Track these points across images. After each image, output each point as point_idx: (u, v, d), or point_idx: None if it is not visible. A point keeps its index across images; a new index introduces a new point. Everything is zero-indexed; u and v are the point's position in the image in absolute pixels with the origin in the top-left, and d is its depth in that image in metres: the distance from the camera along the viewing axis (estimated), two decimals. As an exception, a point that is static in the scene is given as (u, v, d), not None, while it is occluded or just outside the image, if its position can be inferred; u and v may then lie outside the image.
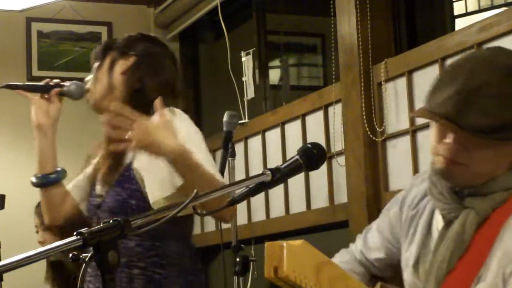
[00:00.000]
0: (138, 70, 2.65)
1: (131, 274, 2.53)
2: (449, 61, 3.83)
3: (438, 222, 1.90)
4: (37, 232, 4.32)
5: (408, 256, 1.96)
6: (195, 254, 2.65)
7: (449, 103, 1.79)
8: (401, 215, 2.03)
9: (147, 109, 2.54)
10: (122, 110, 2.34)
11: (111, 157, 2.62)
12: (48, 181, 2.76)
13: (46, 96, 2.76)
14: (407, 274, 1.94)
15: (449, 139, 1.83)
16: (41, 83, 2.78)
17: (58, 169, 2.78)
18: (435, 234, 1.90)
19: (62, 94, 2.77)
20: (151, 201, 2.49)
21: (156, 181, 2.49)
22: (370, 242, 2.11)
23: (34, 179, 2.77)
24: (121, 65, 2.67)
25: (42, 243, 4.23)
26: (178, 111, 2.65)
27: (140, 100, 2.61)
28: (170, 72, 2.73)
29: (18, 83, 2.83)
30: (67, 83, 2.77)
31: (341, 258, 2.10)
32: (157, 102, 2.40)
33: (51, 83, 2.77)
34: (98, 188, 2.67)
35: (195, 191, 1.67)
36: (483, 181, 1.84)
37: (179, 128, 2.47)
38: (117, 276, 2.45)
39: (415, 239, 1.95)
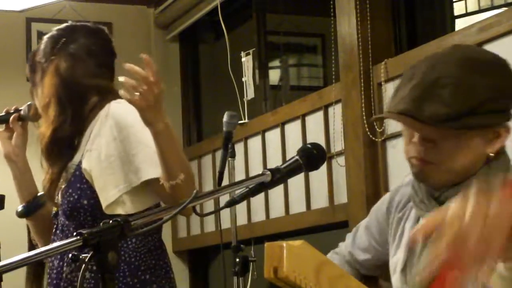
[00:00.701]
0: (60, 70, 2.51)
1: (83, 279, 2.37)
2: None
3: None
4: None
5: (395, 261, 1.95)
6: (159, 248, 2.50)
7: (407, 99, 1.78)
8: (388, 216, 2.01)
9: (85, 96, 2.47)
10: (135, 70, 2.17)
11: (51, 169, 2.50)
12: (29, 210, 2.68)
13: (9, 126, 2.66)
14: (395, 280, 1.94)
15: (415, 138, 1.81)
16: (1, 113, 2.68)
17: (39, 194, 2.67)
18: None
19: (21, 119, 2.67)
20: (104, 204, 2.37)
21: (109, 181, 2.38)
22: (358, 242, 2.10)
23: (20, 209, 2.69)
24: (47, 76, 2.52)
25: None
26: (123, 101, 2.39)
27: (75, 91, 2.48)
28: (100, 54, 2.54)
29: None
30: (23, 107, 2.67)
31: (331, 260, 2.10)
32: (144, 56, 2.18)
33: (11, 111, 2.68)
34: (57, 199, 2.56)
35: (195, 191, 1.67)
36: (459, 179, 1.81)
37: (131, 116, 2.32)
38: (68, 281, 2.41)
39: (402, 244, 1.94)
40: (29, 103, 2.66)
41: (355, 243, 2.10)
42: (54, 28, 2.62)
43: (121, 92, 2.17)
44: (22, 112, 2.67)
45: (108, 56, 2.55)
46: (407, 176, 2.02)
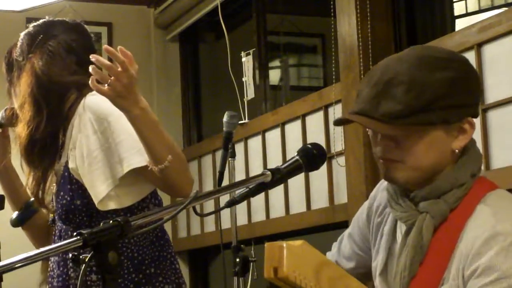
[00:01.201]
0: (36, 69, 2.43)
1: (90, 282, 2.36)
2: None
3: (402, 228, 1.89)
4: None
5: (375, 265, 1.95)
6: (161, 239, 2.45)
7: (364, 99, 1.80)
8: (369, 222, 2.02)
9: (64, 93, 2.40)
10: (102, 61, 2.12)
11: (34, 175, 2.45)
12: (23, 217, 2.63)
13: None
14: (377, 283, 1.95)
15: (378, 138, 1.83)
16: None
17: (31, 200, 2.60)
18: (399, 240, 1.89)
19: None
20: (96, 201, 2.31)
21: (97, 177, 2.31)
22: (343, 251, 2.10)
23: (14, 216, 2.64)
24: (24, 75, 2.45)
25: None
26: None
27: (52, 89, 2.41)
28: (80, 50, 2.48)
29: None
30: None
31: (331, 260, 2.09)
32: (105, 47, 2.12)
33: None
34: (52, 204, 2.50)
35: (194, 191, 1.66)
36: (427, 176, 1.81)
37: (107, 106, 2.26)
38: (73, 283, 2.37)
39: (381, 248, 1.94)
40: (5, 108, 2.58)
41: (340, 252, 2.11)
42: (31, 24, 2.55)
43: (90, 82, 2.13)
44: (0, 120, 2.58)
45: (88, 52, 2.40)
46: (382, 182, 2.02)
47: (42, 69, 2.42)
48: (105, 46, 2.12)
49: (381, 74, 1.81)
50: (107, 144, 2.31)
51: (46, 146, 2.42)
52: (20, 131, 2.42)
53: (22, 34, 2.54)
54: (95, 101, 2.34)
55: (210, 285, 6.64)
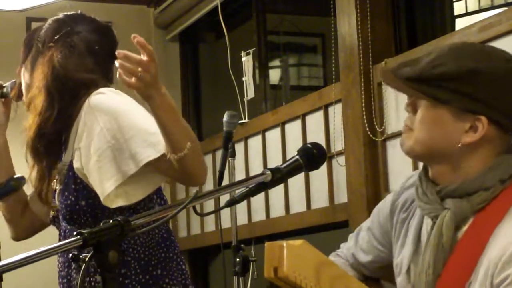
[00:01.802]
0: (54, 61, 2.41)
1: (94, 283, 2.33)
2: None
3: (428, 225, 1.88)
4: None
5: (400, 261, 1.94)
6: (168, 239, 2.42)
7: (399, 64, 1.90)
8: (392, 217, 2.01)
9: (77, 90, 2.38)
10: (132, 56, 2.12)
11: (41, 173, 2.43)
12: (4, 191, 2.58)
13: None
14: (401, 280, 1.93)
15: (407, 104, 1.89)
16: None
17: (15, 176, 2.57)
18: (424, 237, 1.89)
19: (3, 96, 2.58)
20: (102, 197, 2.27)
21: (103, 174, 2.28)
22: (361, 244, 2.09)
23: None
24: (41, 62, 2.44)
25: None
26: (107, 90, 2.37)
27: (66, 84, 2.39)
28: (101, 53, 2.47)
29: None
30: (7, 84, 2.60)
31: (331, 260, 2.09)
32: (137, 39, 2.13)
33: None
34: (54, 202, 2.47)
35: (194, 191, 1.66)
36: (428, 154, 1.85)
37: (113, 103, 2.30)
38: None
39: (407, 243, 1.93)
40: (13, 80, 2.58)
41: (358, 244, 2.09)
42: (62, 13, 2.55)
43: (118, 76, 2.11)
44: (5, 90, 2.58)
45: (108, 57, 2.43)
46: (410, 177, 2.02)
47: (60, 62, 2.40)
48: (134, 35, 2.12)
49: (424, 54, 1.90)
50: (113, 141, 2.28)
51: (52, 142, 2.40)
52: (29, 123, 2.41)
53: (50, 20, 2.52)
54: (100, 100, 2.33)
55: (210, 284, 6.64)
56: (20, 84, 2.54)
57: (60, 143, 2.42)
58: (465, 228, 1.80)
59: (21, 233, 2.64)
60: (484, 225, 1.78)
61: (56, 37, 2.46)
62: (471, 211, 1.80)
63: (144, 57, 2.11)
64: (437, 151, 1.83)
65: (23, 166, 2.55)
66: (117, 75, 2.12)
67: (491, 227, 1.76)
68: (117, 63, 2.10)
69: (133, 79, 2.11)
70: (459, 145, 1.81)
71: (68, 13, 2.55)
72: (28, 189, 2.61)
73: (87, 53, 2.44)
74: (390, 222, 2.01)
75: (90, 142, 2.32)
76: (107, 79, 2.46)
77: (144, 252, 2.36)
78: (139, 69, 2.11)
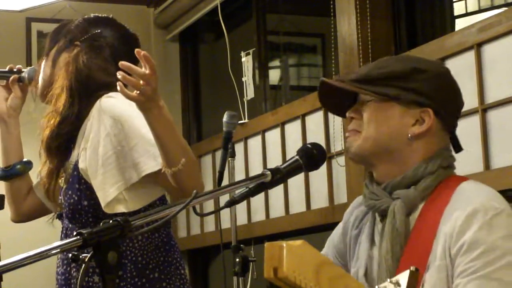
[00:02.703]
0: (79, 60, 2.44)
1: (91, 283, 2.35)
2: (449, 61, 3.84)
3: (379, 229, 1.94)
4: None
5: (356, 270, 1.99)
6: (167, 244, 2.42)
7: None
8: (345, 238, 2.08)
9: (96, 91, 2.40)
10: (135, 69, 2.13)
11: (50, 171, 2.47)
12: (9, 173, 2.64)
13: (3, 84, 2.64)
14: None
15: (349, 113, 1.98)
16: (5, 69, 2.66)
17: (23, 160, 2.65)
18: (377, 237, 1.95)
19: (20, 81, 2.64)
20: (103, 203, 2.30)
21: (107, 180, 2.30)
22: None
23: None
24: (64, 58, 2.47)
25: None
26: (118, 95, 2.34)
27: (88, 85, 2.41)
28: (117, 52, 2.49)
29: None
30: (25, 69, 2.64)
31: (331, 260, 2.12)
32: (142, 53, 2.13)
33: (14, 69, 2.65)
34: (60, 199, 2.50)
35: (194, 191, 1.67)
36: (377, 151, 1.92)
37: (122, 108, 2.31)
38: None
39: (361, 253, 1.99)
40: (32, 67, 2.62)
41: None
42: (94, 14, 2.59)
43: (119, 89, 2.13)
44: (23, 74, 2.63)
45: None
46: (359, 198, 2.09)
47: (85, 63, 2.42)
48: (137, 50, 2.13)
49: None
50: (119, 147, 2.30)
51: (65, 141, 2.43)
52: (48, 120, 2.43)
53: (81, 18, 2.56)
54: (110, 103, 2.35)
55: (210, 285, 6.64)
56: (38, 72, 2.56)
57: (71, 142, 2.44)
58: (416, 215, 1.89)
59: (21, 216, 2.70)
60: (434, 209, 1.87)
61: (84, 37, 2.48)
62: (419, 198, 1.89)
63: (146, 71, 2.12)
64: (385, 147, 1.91)
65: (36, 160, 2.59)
66: (118, 87, 2.13)
67: (441, 209, 1.85)
68: (119, 75, 2.11)
69: (134, 92, 2.13)
70: (409, 136, 1.91)
71: (100, 15, 2.59)
72: (35, 176, 2.65)
73: (111, 58, 2.45)
74: (343, 242, 2.08)
75: (96, 145, 2.33)
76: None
77: (142, 255, 2.36)
78: (141, 82, 2.12)
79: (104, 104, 2.35)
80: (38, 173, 2.57)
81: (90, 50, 2.44)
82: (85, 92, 2.41)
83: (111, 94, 2.35)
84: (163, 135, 2.19)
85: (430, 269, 1.81)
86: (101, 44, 2.47)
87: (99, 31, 2.50)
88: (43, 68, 2.53)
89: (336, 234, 2.12)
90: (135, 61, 2.24)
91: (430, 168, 1.90)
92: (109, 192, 2.30)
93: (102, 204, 2.30)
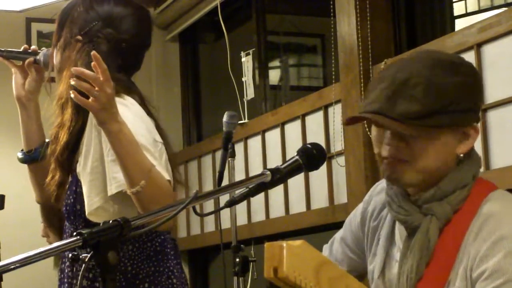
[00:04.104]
0: (86, 52, 2.37)
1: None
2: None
3: (401, 231, 1.90)
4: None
5: (373, 269, 1.96)
6: (160, 253, 2.38)
7: (378, 99, 1.80)
8: (363, 226, 2.03)
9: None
10: (87, 73, 2.10)
11: (59, 169, 2.43)
12: (31, 157, 2.59)
13: (19, 65, 2.58)
14: (374, 286, 1.95)
15: (387, 138, 1.83)
16: (19, 50, 2.57)
17: (45, 143, 2.58)
18: (398, 243, 1.90)
19: (35, 62, 2.57)
20: (88, 210, 2.29)
21: (93, 188, 2.30)
22: (335, 255, 2.11)
23: (19, 155, 2.61)
24: (68, 56, 2.41)
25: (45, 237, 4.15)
26: (127, 99, 2.35)
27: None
28: (130, 67, 2.44)
29: None
30: (40, 51, 2.57)
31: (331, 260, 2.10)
32: (92, 52, 2.12)
33: (28, 50, 2.56)
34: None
35: (194, 191, 1.67)
36: (431, 180, 1.82)
37: (124, 116, 2.24)
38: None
39: (379, 251, 1.95)
40: (46, 49, 2.54)
41: (332, 255, 2.12)
42: (106, 6, 2.43)
43: (72, 96, 2.11)
44: (38, 57, 2.56)
45: (134, 66, 2.44)
46: (378, 184, 2.03)
47: (86, 67, 2.25)
48: (93, 52, 2.11)
49: (395, 73, 1.81)
50: (106, 157, 2.28)
51: (73, 151, 2.39)
52: (56, 135, 2.40)
53: (91, 12, 2.42)
54: None
55: (210, 285, 6.64)
56: (52, 57, 2.50)
57: (76, 149, 2.41)
58: (444, 228, 1.82)
59: (44, 199, 2.64)
60: (460, 222, 1.81)
61: (84, 30, 2.40)
62: (452, 212, 1.82)
63: (99, 76, 2.10)
64: (437, 173, 1.83)
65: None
66: (71, 95, 2.11)
67: (467, 224, 1.79)
68: (72, 81, 2.10)
69: (90, 99, 2.11)
70: (461, 156, 1.83)
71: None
72: None
73: (116, 55, 2.38)
74: (361, 231, 2.04)
75: (88, 151, 2.32)
76: (128, 87, 2.42)
77: (132, 265, 2.33)
78: (96, 88, 2.10)
79: (125, 102, 2.32)
80: (46, 182, 2.48)
81: (90, 50, 2.33)
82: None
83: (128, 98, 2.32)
84: (122, 154, 2.17)
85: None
86: (101, 41, 2.39)
87: (99, 23, 2.40)
88: (55, 58, 2.47)
89: (354, 221, 2.06)
90: (138, 65, 2.24)
91: (464, 180, 1.82)
92: (93, 200, 2.29)
93: (86, 211, 2.29)
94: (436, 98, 1.77)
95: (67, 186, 2.43)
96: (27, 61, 2.56)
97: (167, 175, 2.24)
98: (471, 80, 1.84)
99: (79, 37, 2.40)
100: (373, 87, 1.85)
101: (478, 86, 1.87)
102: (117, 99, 2.24)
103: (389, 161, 1.83)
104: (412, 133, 1.79)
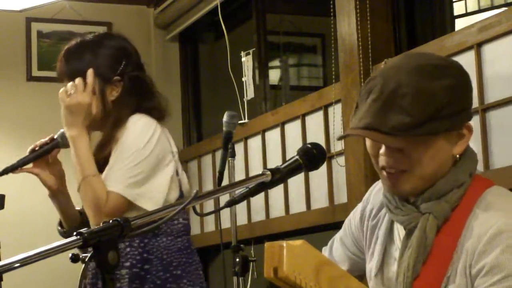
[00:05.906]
0: (107, 101, 2.62)
1: (118, 275, 2.54)
2: (449, 61, 3.83)
3: (399, 230, 1.91)
4: None
5: (371, 267, 1.97)
6: (189, 248, 2.68)
7: (369, 113, 1.79)
8: (362, 226, 2.03)
9: (121, 120, 2.63)
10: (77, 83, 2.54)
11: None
12: (67, 235, 2.70)
13: (36, 167, 2.66)
14: (372, 285, 1.96)
15: (382, 149, 1.83)
16: (34, 153, 2.62)
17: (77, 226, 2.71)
18: (397, 242, 1.91)
19: (57, 146, 2.64)
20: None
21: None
22: (335, 255, 2.12)
23: (60, 230, 2.75)
24: (111, 92, 2.64)
25: None
26: (144, 117, 2.64)
27: (115, 117, 2.64)
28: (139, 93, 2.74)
29: (14, 163, 2.60)
30: (56, 136, 2.63)
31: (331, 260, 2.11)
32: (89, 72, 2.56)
33: (45, 146, 2.63)
34: None
35: (195, 191, 1.67)
36: (429, 184, 1.83)
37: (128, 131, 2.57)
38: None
39: (377, 250, 1.96)
40: (62, 130, 2.61)
41: (332, 256, 2.13)
42: (107, 39, 2.78)
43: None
44: (56, 141, 2.63)
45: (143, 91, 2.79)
46: (377, 184, 2.04)
47: (113, 101, 2.63)
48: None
49: (382, 85, 1.80)
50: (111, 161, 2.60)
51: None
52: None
53: (103, 50, 2.71)
54: (133, 121, 2.60)
55: (210, 284, 6.64)
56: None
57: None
58: (441, 226, 1.83)
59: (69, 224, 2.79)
60: (457, 220, 1.81)
61: (114, 72, 2.66)
62: (449, 210, 1.82)
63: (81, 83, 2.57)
64: (435, 176, 1.83)
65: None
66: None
67: (463, 221, 1.80)
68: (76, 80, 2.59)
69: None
70: (457, 157, 1.84)
71: (111, 36, 2.92)
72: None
73: (134, 91, 2.70)
74: (360, 230, 2.04)
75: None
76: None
77: (167, 254, 2.60)
78: (73, 90, 2.58)
79: (130, 120, 2.60)
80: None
81: (119, 87, 2.65)
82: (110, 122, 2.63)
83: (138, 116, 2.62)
84: (73, 156, 2.56)
85: (450, 285, 1.78)
86: (128, 79, 2.68)
87: (124, 63, 2.68)
88: (93, 104, 2.61)
89: (353, 221, 2.07)
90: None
91: (461, 178, 1.83)
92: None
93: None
94: (426, 105, 1.76)
95: None
96: (54, 152, 2.66)
97: (115, 188, 2.51)
98: (460, 80, 1.83)
99: (118, 77, 2.64)
100: (362, 99, 1.85)
101: (468, 85, 1.86)
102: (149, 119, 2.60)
103: (388, 171, 1.84)
104: (407, 145, 1.79)
